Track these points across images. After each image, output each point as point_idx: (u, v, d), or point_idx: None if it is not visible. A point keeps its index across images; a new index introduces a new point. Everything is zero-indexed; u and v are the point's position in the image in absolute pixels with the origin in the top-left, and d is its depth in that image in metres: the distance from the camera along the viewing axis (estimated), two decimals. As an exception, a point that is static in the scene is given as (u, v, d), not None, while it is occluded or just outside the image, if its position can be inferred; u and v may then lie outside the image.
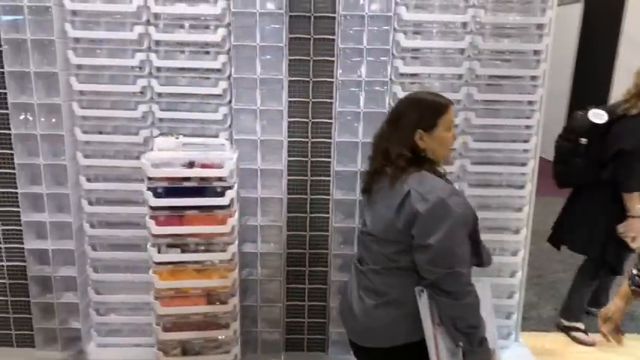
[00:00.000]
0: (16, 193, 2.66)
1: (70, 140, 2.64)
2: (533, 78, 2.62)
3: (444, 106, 1.66)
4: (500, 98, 2.65)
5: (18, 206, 2.68)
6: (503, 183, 2.77)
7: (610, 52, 7.09)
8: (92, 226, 2.72)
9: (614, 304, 1.76)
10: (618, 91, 7.03)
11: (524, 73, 2.62)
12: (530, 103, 2.65)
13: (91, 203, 2.69)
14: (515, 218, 2.78)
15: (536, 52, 2.60)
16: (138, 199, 2.65)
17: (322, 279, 2.83)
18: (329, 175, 2.71)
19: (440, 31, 2.58)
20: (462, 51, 2.58)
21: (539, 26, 2.58)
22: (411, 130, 1.63)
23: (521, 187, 2.75)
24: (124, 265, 2.78)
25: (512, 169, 2.72)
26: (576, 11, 7.89)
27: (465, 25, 2.55)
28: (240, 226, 2.62)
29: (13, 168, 2.63)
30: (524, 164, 2.72)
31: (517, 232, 2.79)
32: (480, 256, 1.69)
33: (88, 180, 2.67)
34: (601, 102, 7.20)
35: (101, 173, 2.70)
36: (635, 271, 1.70)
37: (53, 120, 2.62)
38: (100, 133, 2.65)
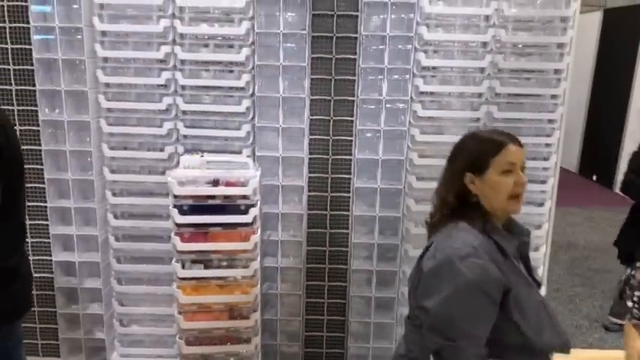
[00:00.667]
0: (45, 206, 2.74)
1: (98, 156, 2.71)
2: (554, 97, 2.63)
3: (498, 143, 1.42)
4: (521, 117, 2.66)
5: (47, 219, 2.76)
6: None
7: (630, 59, 7.03)
8: (117, 239, 2.78)
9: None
10: (638, 99, 6.97)
11: (545, 92, 2.62)
12: (551, 121, 2.66)
13: (116, 217, 2.76)
14: (534, 236, 2.78)
15: (556, 71, 2.61)
16: (162, 214, 2.71)
17: (341, 294, 2.86)
18: (349, 192, 2.74)
19: (460, 50, 2.61)
20: (482, 70, 2.60)
21: (560, 45, 2.59)
22: (460, 172, 1.43)
23: (541, 204, 2.75)
24: (147, 278, 2.84)
25: (533, 186, 2.72)
26: (596, 18, 7.84)
27: (485, 44, 2.57)
28: (262, 241, 2.67)
29: (43, 182, 2.71)
30: (543, 182, 2.72)
31: (537, 249, 2.79)
32: (526, 337, 1.35)
33: (114, 194, 2.74)
34: (621, 111, 7.14)
35: (126, 188, 2.77)
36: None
37: (82, 136, 2.69)
38: (126, 149, 2.72)
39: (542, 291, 2.76)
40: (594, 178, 7.71)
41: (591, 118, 7.92)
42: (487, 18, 2.56)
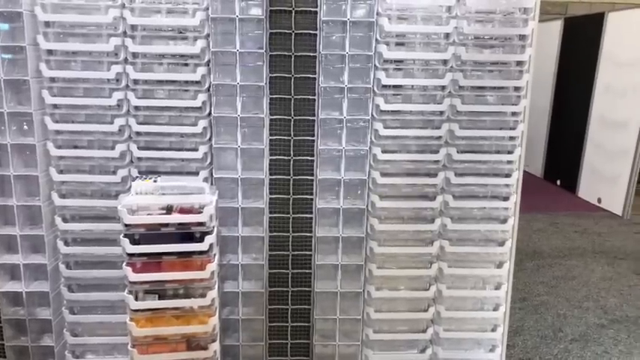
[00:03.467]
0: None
1: (45, 180, 2.57)
2: (517, 89, 2.60)
3: None
4: (484, 109, 2.62)
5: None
6: (487, 194, 2.73)
7: (590, 66, 7.19)
8: (68, 266, 2.65)
9: None
10: (598, 106, 7.13)
11: (508, 84, 2.59)
12: (514, 114, 2.62)
13: (66, 244, 2.62)
14: (500, 230, 2.76)
15: (519, 63, 2.58)
16: (115, 238, 2.59)
17: (306, 316, 2.79)
18: (311, 213, 2.68)
19: (422, 42, 2.56)
20: (444, 62, 2.56)
21: (522, 37, 2.56)
22: None
23: (506, 198, 2.72)
24: (101, 306, 2.71)
25: (497, 180, 2.69)
26: (557, 26, 8.00)
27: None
28: (221, 266, 2.58)
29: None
30: (508, 175, 2.69)
31: (502, 244, 2.76)
32: None
33: (64, 220, 2.60)
34: (582, 116, 7.29)
35: (77, 213, 2.64)
36: None
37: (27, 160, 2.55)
38: (77, 172, 2.59)
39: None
40: (558, 182, 7.86)
41: (554, 123, 8.07)
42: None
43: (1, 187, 2.58)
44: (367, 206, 2.69)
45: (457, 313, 2.80)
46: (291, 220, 2.68)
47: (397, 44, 2.55)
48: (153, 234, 2.20)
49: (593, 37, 7.12)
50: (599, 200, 7.10)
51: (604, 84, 7.01)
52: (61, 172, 2.56)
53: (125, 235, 2.18)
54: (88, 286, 2.69)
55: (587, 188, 7.40)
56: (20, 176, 2.55)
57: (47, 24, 2.41)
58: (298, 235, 2.70)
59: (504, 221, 2.74)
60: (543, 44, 7.63)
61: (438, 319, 2.79)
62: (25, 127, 2.53)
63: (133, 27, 2.44)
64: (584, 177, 7.46)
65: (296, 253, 2.72)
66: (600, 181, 7.11)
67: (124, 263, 2.23)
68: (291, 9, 2.44)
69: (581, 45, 7.47)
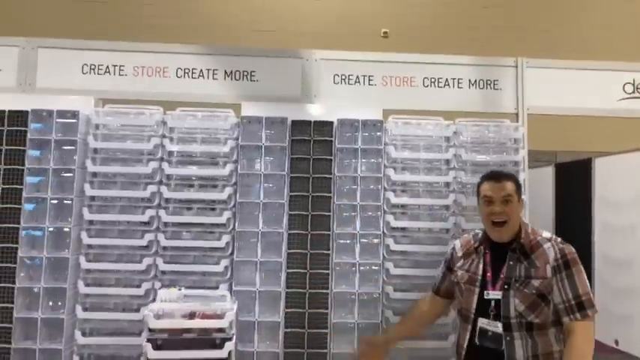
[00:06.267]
0: (10, 348, 2.62)
1: (72, 293, 2.68)
2: None
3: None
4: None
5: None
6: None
7: (586, 209, 7.49)
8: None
9: None
10: (600, 247, 7.27)
11: None
12: None
13: (82, 359, 2.63)
14: None
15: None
16: (131, 354, 2.61)
17: None
18: (327, 327, 2.72)
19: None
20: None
21: (515, 163, 2.87)
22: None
23: None
24: None
25: None
26: (549, 173, 8.52)
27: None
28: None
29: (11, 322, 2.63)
30: None
31: None
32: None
33: (83, 334, 2.65)
34: (586, 256, 7.38)
35: (96, 327, 2.69)
36: None
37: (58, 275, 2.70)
38: (101, 285, 2.71)
39: None
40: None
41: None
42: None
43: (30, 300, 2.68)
44: (381, 321, 2.74)
45: None
46: (306, 334, 2.71)
47: (403, 169, 2.85)
48: (175, 340, 2.25)
49: (584, 181, 7.56)
50: (617, 342, 6.88)
51: (602, 224, 7.26)
52: (87, 285, 2.68)
53: (148, 340, 2.23)
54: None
55: (603, 330, 7.18)
56: (49, 288, 2.67)
57: (95, 150, 2.76)
58: (313, 351, 2.70)
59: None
60: (539, 189, 8.07)
61: None
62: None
63: (170, 153, 2.78)
64: (597, 318, 7.30)
65: (312, 370, 2.69)
66: (615, 322, 6.96)
67: (143, 371, 2.24)
68: (309, 138, 2.80)
69: (574, 188, 7.90)
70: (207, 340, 2.28)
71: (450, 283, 2.01)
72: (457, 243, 2.04)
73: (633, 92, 3.10)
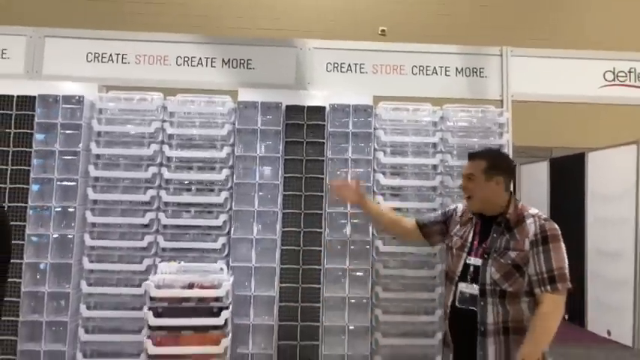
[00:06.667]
0: (17, 321, 2.76)
1: (77, 269, 2.83)
2: None
3: None
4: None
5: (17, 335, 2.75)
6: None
7: (579, 202, 7.64)
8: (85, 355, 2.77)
9: None
10: (592, 239, 7.40)
11: None
12: None
13: (87, 331, 2.78)
14: None
15: None
16: (133, 328, 2.76)
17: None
18: (319, 302, 2.86)
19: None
20: (434, 167, 2.98)
21: (500, 147, 2.97)
22: None
23: None
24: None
25: None
26: (544, 168, 8.66)
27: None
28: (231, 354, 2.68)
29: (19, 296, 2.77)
30: None
31: None
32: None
33: (88, 308, 2.79)
34: (579, 250, 7.52)
35: (100, 301, 2.83)
36: None
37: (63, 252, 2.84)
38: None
39: None
40: (566, 317, 7.79)
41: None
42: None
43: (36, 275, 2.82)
44: (371, 298, 2.88)
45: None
46: (299, 308, 2.84)
47: (392, 152, 2.99)
48: (174, 308, 2.39)
49: (578, 175, 7.70)
50: (609, 333, 7.00)
51: (594, 217, 7.39)
52: (92, 261, 2.83)
53: (149, 309, 2.37)
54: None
55: (595, 321, 7.31)
56: (54, 264, 2.81)
57: (99, 134, 2.90)
58: (306, 324, 2.84)
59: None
60: (535, 183, 8.22)
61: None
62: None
63: (170, 136, 2.92)
64: (590, 310, 7.42)
65: (304, 343, 2.83)
66: (607, 313, 7.08)
67: (145, 337, 2.38)
68: (302, 122, 2.94)
69: (568, 182, 8.03)
70: (205, 308, 2.42)
71: (435, 229, 2.26)
72: (459, 206, 2.23)
73: (613, 80, 3.24)
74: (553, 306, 1.91)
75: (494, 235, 2.01)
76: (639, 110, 5.20)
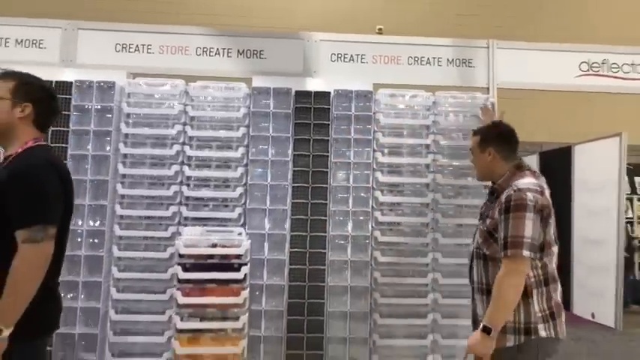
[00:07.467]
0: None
1: (109, 236, 3.17)
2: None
3: None
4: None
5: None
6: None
7: (566, 193, 8.02)
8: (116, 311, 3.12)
9: None
10: (578, 227, 7.79)
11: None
12: None
13: (119, 290, 3.13)
14: None
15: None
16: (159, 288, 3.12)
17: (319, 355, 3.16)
18: (324, 265, 3.21)
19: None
20: (427, 146, 3.33)
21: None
22: None
23: None
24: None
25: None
26: (533, 160, 9.05)
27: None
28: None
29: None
30: None
31: None
32: None
33: (119, 270, 3.14)
34: (566, 238, 7.90)
35: (129, 264, 3.18)
36: None
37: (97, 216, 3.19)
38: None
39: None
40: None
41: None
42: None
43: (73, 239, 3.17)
44: (371, 262, 3.25)
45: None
46: (307, 270, 3.20)
47: (389, 133, 3.35)
48: (200, 264, 2.74)
49: (565, 167, 8.10)
50: (593, 315, 7.39)
51: (580, 207, 7.78)
52: (122, 229, 3.17)
53: (179, 264, 2.72)
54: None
55: (580, 305, 7.72)
56: (90, 230, 3.16)
57: (128, 115, 3.25)
58: (313, 284, 3.20)
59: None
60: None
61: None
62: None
63: (192, 118, 3.27)
64: (576, 295, 7.82)
65: (311, 301, 3.19)
66: (591, 297, 7.47)
67: (175, 288, 2.73)
68: (310, 106, 3.30)
69: (556, 174, 8.42)
70: (227, 264, 2.77)
71: None
72: None
73: (588, 70, 3.61)
74: (504, 270, 1.96)
75: (488, 202, 2.21)
76: (622, 104, 5.62)
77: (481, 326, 1.97)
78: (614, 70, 3.57)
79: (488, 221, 2.10)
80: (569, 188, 8.01)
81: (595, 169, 7.41)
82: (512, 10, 6.83)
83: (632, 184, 9.34)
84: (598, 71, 3.60)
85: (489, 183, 3.00)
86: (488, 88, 3.52)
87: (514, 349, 1.98)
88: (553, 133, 7.65)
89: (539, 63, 3.57)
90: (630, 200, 9.22)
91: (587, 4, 7.13)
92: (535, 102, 4.84)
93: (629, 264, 8.00)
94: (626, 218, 7.91)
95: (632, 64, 3.57)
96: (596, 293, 7.28)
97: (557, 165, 8.44)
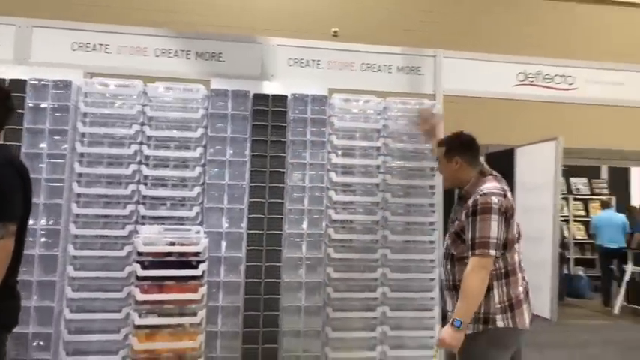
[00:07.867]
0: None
1: (65, 234, 3.18)
2: (431, 187, 3.54)
3: None
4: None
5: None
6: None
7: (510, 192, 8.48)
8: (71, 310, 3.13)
9: None
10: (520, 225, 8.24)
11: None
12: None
13: (74, 289, 3.14)
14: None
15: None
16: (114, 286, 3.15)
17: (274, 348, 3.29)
18: (280, 262, 3.35)
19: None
20: (378, 149, 3.52)
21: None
22: None
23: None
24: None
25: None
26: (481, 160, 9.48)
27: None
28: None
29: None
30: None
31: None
32: None
33: (75, 269, 3.15)
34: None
35: (85, 263, 3.20)
36: None
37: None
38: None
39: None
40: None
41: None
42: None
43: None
44: (325, 258, 3.41)
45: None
46: (263, 267, 3.32)
47: (343, 136, 3.52)
48: (159, 261, 2.82)
49: (508, 168, 8.57)
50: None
51: (521, 206, 8.26)
52: (78, 227, 3.19)
53: (137, 262, 2.79)
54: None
55: (522, 299, 8.18)
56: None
57: (85, 114, 3.26)
58: (270, 280, 3.33)
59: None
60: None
61: (385, 353, 3.35)
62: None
63: (150, 118, 3.32)
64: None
65: (267, 297, 3.31)
66: (530, 290, 7.96)
67: (133, 286, 2.79)
68: (267, 109, 3.42)
69: (500, 174, 8.88)
70: (185, 262, 2.86)
71: None
72: None
73: (524, 80, 3.91)
74: (471, 267, 2.14)
75: (457, 207, 2.36)
76: (558, 111, 6.05)
77: (451, 320, 2.15)
78: (547, 80, 3.88)
79: (456, 224, 2.30)
80: (511, 188, 8.46)
81: (534, 171, 7.89)
82: (459, 23, 7.24)
83: (567, 184, 10.00)
84: (533, 81, 3.91)
85: (434, 183, 3.25)
86: (434, 95, 3.75)
87: (469, 337, 2.17)
88: (497, 137, 8.11)
89: (481, 72, 3.83)
90: (566, 200, 9.87)
91: (528, 17, 7.64)
92: (479, 107, 5.16)
93: (563, 259, 8.56)
94: (562, 217, 8.46)
95: (563, 76, 3.90)
96: (534, 287, 7.71)
97: (502, 166, 8.92)
